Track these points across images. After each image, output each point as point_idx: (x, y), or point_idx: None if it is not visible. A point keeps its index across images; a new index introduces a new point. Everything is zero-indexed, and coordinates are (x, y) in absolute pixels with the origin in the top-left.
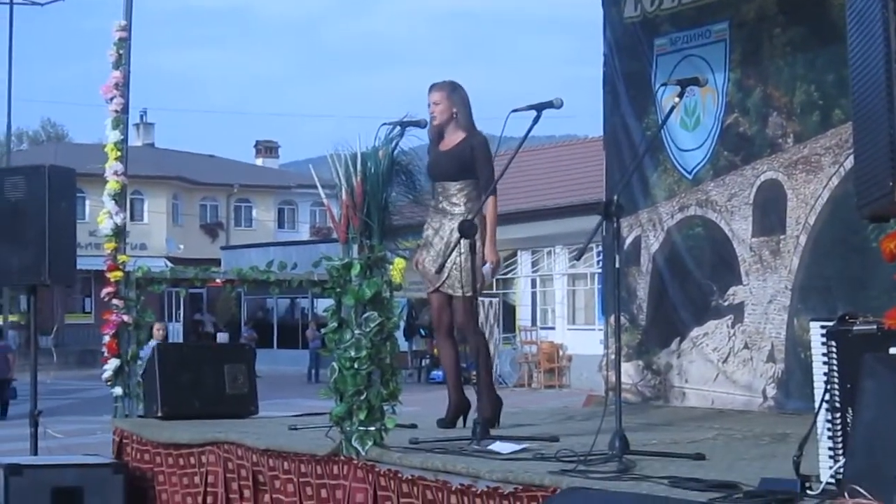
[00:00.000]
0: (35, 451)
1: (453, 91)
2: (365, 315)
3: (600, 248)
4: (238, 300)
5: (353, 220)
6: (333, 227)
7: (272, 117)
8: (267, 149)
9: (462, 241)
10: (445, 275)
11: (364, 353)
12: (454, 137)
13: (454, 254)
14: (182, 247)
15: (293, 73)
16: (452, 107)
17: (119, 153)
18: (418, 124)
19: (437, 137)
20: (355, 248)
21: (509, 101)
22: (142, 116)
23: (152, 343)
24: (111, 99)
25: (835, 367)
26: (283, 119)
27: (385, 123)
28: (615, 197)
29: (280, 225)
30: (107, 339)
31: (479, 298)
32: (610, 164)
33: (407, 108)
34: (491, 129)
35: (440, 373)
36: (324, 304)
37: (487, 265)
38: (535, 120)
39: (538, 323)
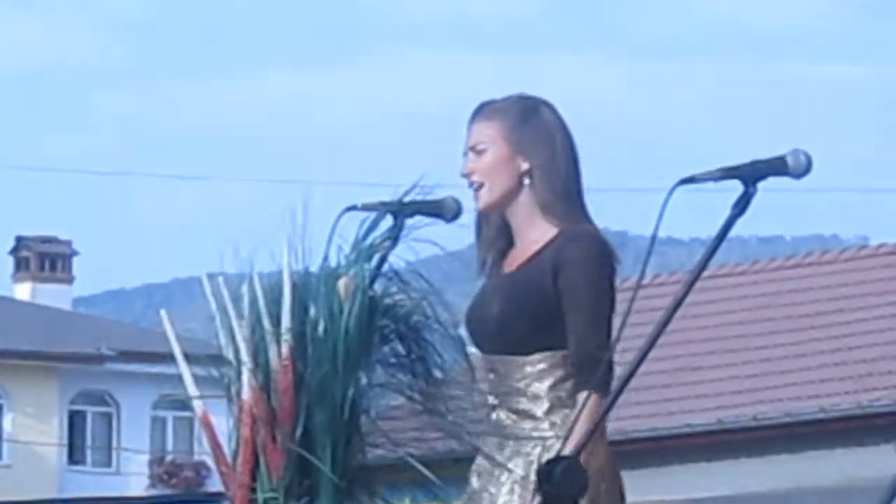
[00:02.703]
0: None
1: (524, 122)
2: None
3: None
4: None
5: (271, 456)
6: (217, 468)
7: (56, 177)
8: (43, 259)
9: None
10: None
11: None
12: (531, 237)
13: None
14: None
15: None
16: (519, 158)
17: None
18: (438, 211)
19: (497, 243)
20: None
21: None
22: None
23: None
24: None
25: None
26: (88, 183)
27: (354, 208)
28: None
29: (74, 456)
30: None
31: None
32: None
33: (414, 165)
34: (617, 222)
35: None
36: None
37: None
38: (741, 206)
39: None
